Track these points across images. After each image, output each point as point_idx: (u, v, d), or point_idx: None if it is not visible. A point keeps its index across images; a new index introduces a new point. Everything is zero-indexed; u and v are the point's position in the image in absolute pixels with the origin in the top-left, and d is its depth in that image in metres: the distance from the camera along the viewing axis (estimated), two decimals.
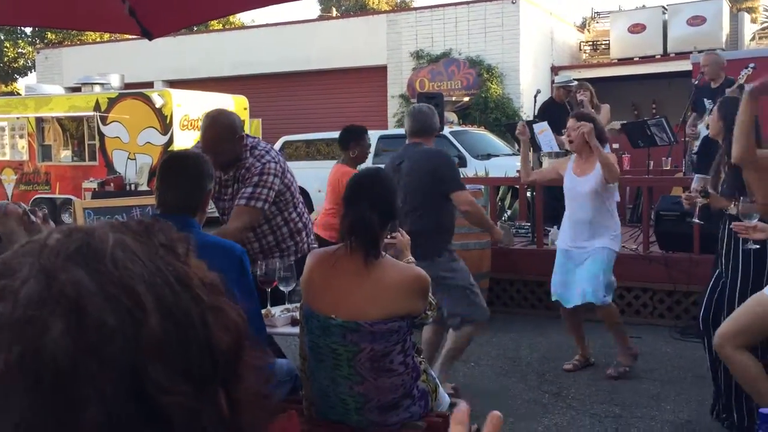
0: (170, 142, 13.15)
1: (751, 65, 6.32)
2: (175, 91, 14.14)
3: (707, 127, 6.45)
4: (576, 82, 7.73)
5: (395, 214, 2.57)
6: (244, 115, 15.15)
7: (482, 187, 6.57)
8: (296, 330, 3.32)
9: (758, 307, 3.12)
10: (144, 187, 12.79)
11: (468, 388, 4.29)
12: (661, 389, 4.34)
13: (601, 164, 4.28)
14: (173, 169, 2.51)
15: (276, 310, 3.39)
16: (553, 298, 4.61)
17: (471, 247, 5.61)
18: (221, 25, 30.05)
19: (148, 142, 13.40)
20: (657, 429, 3.76)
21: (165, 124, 13.30)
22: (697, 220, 3.77)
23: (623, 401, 4.16)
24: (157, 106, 13.25)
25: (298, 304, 3.56)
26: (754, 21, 22.89)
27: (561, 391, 4.32)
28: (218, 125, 3.32)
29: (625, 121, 10.00)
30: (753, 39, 20.91)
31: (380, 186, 2.52)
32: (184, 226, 2.25)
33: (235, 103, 14.93)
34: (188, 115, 13.59)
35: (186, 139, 13.37)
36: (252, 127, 15.78)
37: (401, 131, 12.90)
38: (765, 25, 24.77)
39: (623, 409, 4.03)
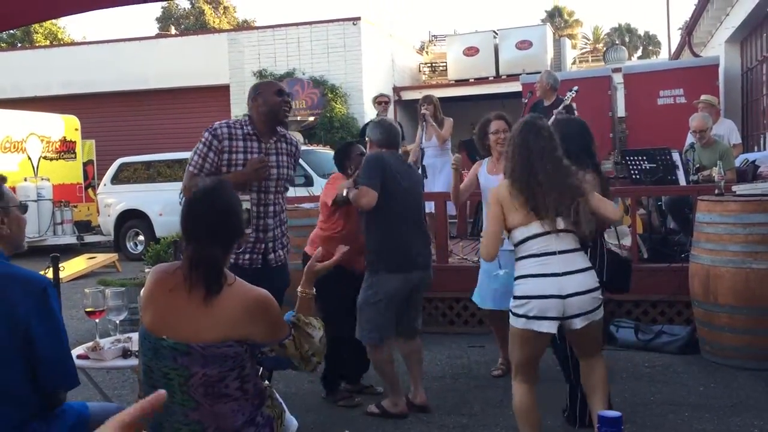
0: None
1: (575, 88, 6.71)
2: None
3: None
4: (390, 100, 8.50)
5: (239, 231, 2.36)
6: (75, 136, 14.25)
7: None
8: (128, 363, 3.09)
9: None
10: None
11: (318, 408, 4.20)
12: (504, 396, 4.46)
13: None
14: None
15: (105, 342, 3.13)
16: (479, 303, 4.80)
17: None
18: (48, 41, 28.21)
19: None
20: None
21: None
22: None
23: (470, 410, 4.23)
24: None
25: (129, 335, 3.32)
26: (574, 47, 24.77)
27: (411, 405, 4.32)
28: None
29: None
30: (574, 62, 22.67)
31: (216, 210, 2.28)
32: None
33: (65, 124, 14.00)
34: (10, 136, 12.56)
35: (9, 163, 12.31)
36: (85, 149, 14.86)
37: None
38: (584, 50, 26.89)
39: (470, 418, 4.10)
